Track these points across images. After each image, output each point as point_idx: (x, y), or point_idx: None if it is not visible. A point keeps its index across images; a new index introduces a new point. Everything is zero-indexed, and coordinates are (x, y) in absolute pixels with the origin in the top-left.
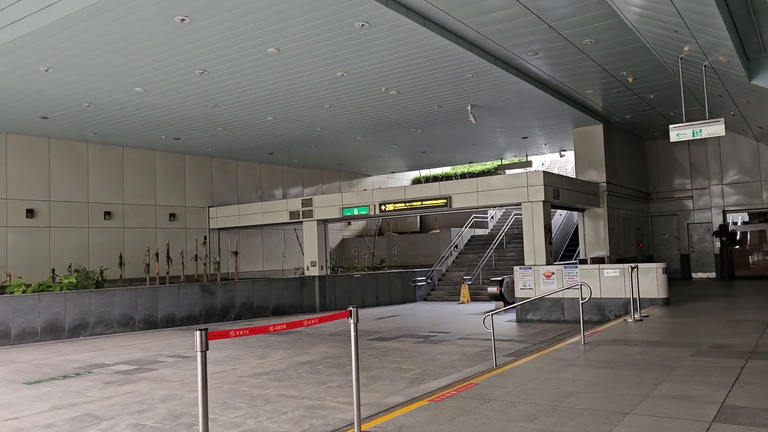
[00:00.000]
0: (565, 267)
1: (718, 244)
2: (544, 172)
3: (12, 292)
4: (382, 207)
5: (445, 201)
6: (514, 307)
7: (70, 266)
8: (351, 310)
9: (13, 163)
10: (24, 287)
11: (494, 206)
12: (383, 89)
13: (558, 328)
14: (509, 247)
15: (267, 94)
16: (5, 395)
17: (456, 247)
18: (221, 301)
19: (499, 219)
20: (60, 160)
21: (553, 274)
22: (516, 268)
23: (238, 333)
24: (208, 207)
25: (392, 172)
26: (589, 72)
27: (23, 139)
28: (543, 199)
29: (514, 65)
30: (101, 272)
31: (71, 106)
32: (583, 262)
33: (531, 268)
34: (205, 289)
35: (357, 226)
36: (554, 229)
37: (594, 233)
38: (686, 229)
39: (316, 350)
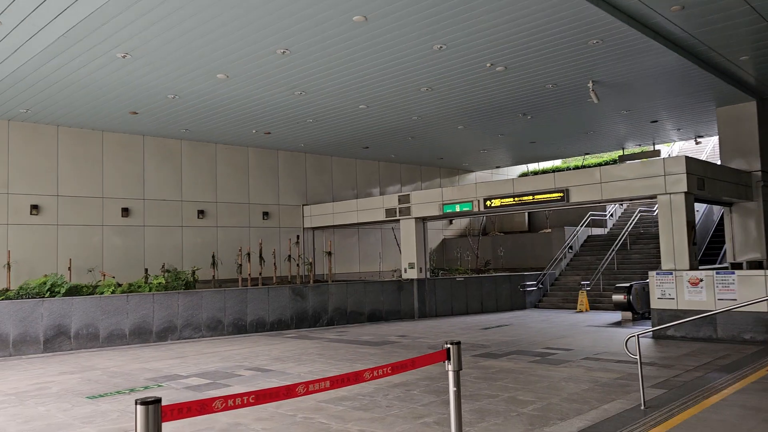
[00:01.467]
0: (717, 273)
1: None
2: (687, 157)
3: (101, 293)
4: (487, 203)
5: (561, 195)
6: (679, 323)
7: (163, 266)
8: (449, 348)
9: (109, 162)
10: (113, 288)
11: (621, 200)
12: (488, 65)
13: (711, 349)
14: (634, 249)
15: (356, 76)
16: (61, 411)
17: (570, 248)
18: (312, 305)
19: (620, 217)
20: (154, 158)
21: (701, 281)
22: (652, 273)
23: (227, 404)
24: (302, 205)
25: (497, 167)
26: (749, 30)
27: (118, 137)
28: (685, 191)
29: (650, 26)
30: (193, 272)
31: (157, 98)
32: (737, 266)
33: (672, 273)
34: (296, 292)
35: (459, 225)
36: None
37: (743, 232)
38: None
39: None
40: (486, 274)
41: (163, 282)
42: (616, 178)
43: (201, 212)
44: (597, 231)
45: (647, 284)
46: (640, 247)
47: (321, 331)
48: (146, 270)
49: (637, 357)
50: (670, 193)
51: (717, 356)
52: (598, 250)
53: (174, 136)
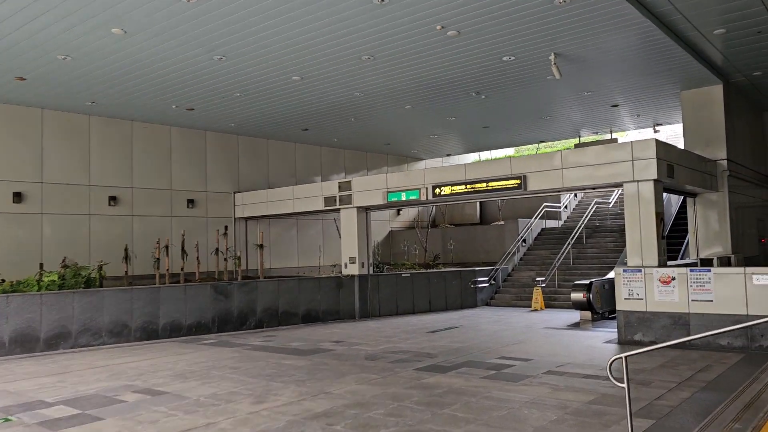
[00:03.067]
0: (691, 270)
1: None
2: (657, 140)
3: None
4: (436, 191)
5: (517, 182)
6: (681, 341)
7: (64, 260)
8: None
9: None
10: None
11: (584, 188)
12: (438, 27)
13: (687, 359)
14: (590, 242)
15: (284, 37)
16: None
17: (524, 241)
18: (238, 305)
19: (574, 209)
20: (55, 135)
21: (674, 279)
22: (618, 269)
23: None
24: (234, 193)
25: (447, 155)
26: None
27: (10, 110)
28: (655, 178)
29: None
30: (100, 268)
31: (45, 60)
32: (706, 262)
33: (640, 271)
34: (219, 291)
35: (407, 215)
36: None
37: (705, 225)
38: None
39: (340, 388)
40: (435, 269)
41: (56, 279)
42: (578, 164)
43: (113, 199)
44: (551, 223)
45: (608, 281)
46: (596, 240)
47: (246, 336)
48: (41, 265)
49: (625, 386)
50: (638, 181)
51: (697, 368)
52: (552, 244)
53: (79, 110)
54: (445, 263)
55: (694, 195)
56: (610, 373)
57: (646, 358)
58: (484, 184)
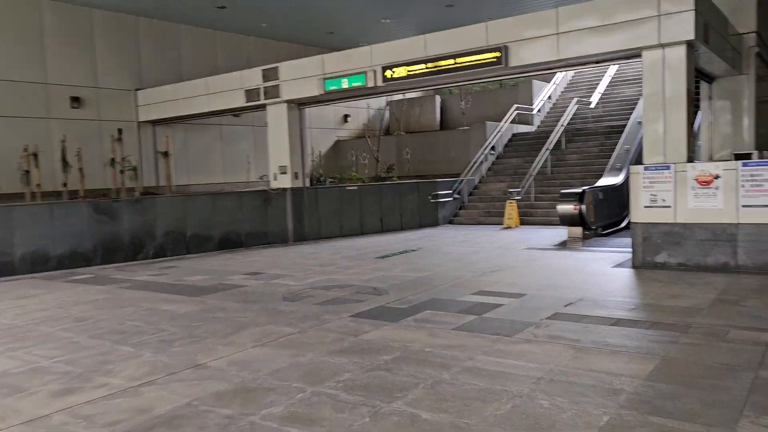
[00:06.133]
0: (743, 164)
1: None
2: None
3: None
4: (388, 73)
5: (496, 55)
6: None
7: None
8: None
9: None
10: None
11: (587, 61)
12: None
13: (743, 287)
14: (570, 148)
15: None
16: None
17: (493, 149)
18: (131, 228)
19: (549, 112)
20: None
21: (717, 178)
22: (637, 168)
23: None
24: (135, 90)
25: None
26: None
27: None
28: (691, 38)
29: None
30: None
31: None
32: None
33: (669, 168)
34: (101, 210)
35: (357, 124)
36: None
37: (723, 118)
38: None
39: (225, 353)
40: (388, 182)
41: None
42: (580, 27)
43: None
44: (523, 129)
45: (601, 190)
46: (578, 145)
47: (137, 268)
48: None
49: None
50: (664, 45)
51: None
52: (526, 151)
53: None
54: (401, 176)
55: (710, 79)
56: None
57: (683, 287)
58: (452, 61)
